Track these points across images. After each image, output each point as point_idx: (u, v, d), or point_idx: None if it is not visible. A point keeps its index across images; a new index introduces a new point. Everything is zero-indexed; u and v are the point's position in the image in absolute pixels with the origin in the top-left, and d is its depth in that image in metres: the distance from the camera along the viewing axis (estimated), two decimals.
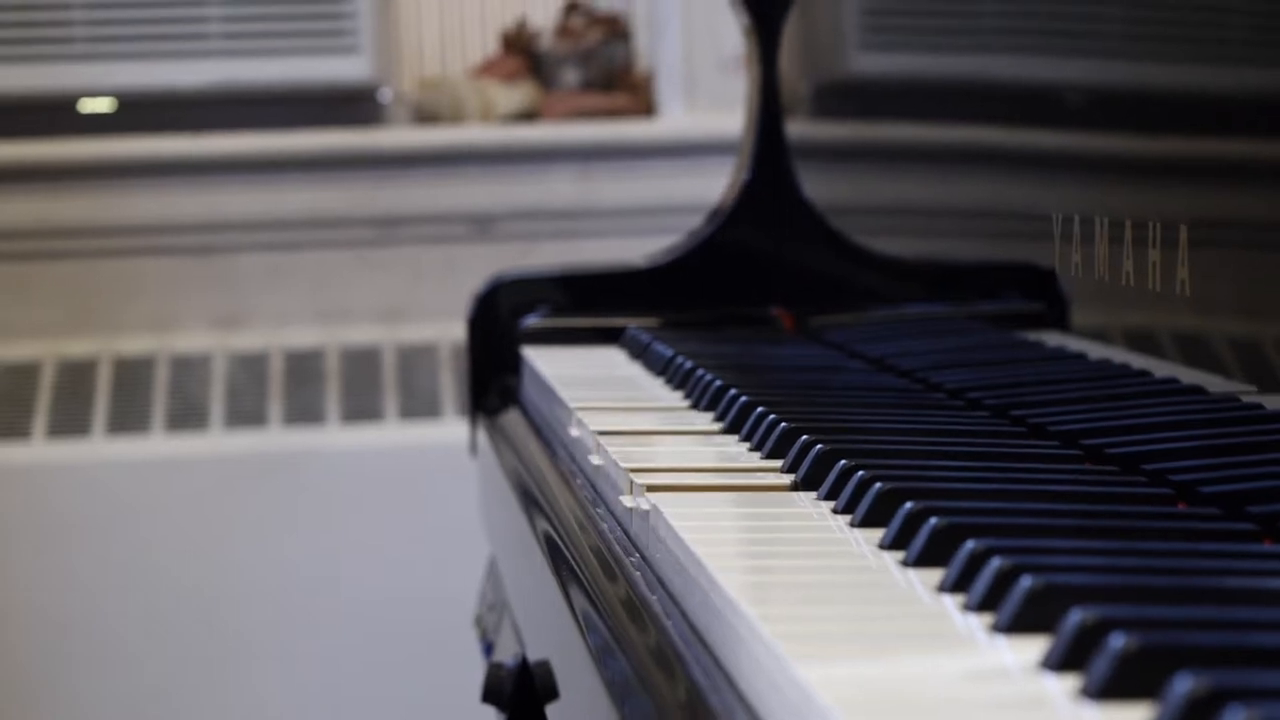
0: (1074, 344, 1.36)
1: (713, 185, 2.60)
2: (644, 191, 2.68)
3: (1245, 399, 1.10)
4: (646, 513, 0.97)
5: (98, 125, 2.73)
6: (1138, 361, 1.26)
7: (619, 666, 0.87)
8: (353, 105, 2.77)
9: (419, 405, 2.63)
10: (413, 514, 2.58)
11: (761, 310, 1.76)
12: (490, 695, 1.41)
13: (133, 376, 2.65)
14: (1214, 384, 1.13)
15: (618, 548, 1.03)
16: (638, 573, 0.97)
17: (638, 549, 1.01)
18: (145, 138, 2.69)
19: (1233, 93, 1.10)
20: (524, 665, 1.37)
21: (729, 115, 2.70)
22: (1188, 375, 1.18)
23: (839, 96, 1.82)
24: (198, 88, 2.72)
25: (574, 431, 1.31)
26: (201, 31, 2.72)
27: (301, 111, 2.73)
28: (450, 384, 2.65)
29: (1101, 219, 1.26)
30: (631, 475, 1.04)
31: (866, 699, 0.64)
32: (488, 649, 1.57)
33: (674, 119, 2.76)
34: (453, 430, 2.59)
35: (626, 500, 1.03)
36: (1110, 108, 1.28)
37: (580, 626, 0.97)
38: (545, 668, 1.25)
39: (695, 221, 1.89)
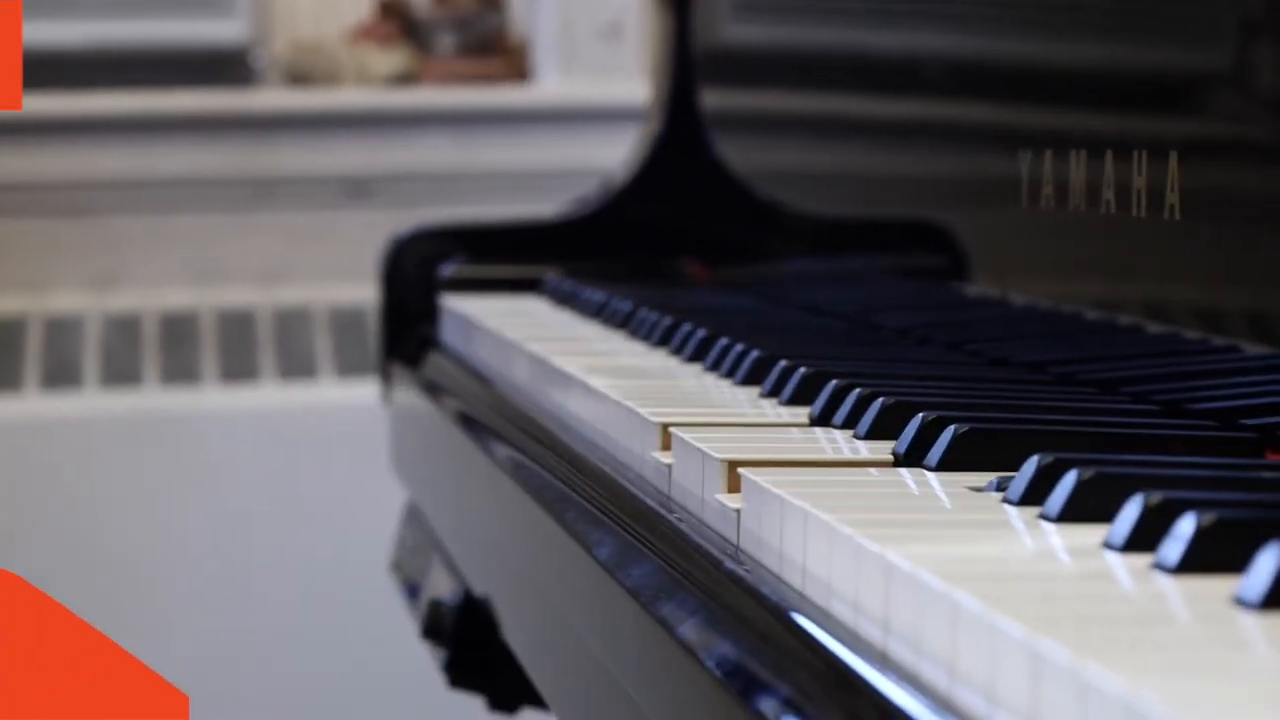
0: (993, 293, 1.39)
1: (590, 151, 2.61)
2: (520, 157, 2.69)
3: (1186, 335, 1.13)
4: (650, 427, 0.99)
5: None
6: (1066, 308, 1.29)
7: (641, 571, 0.88)
8: (226, 67, 2.75)
9: (296, 367, 2.62)
10: (290, 474, 2.57)
11: (674, 262, 1.77)
12: (430, 632, 1.42)
13: (3, 337, 2.62)
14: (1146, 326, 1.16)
15: (607, 468, 1.04)
16: (634, 488, 0.99)
17: (632, 470, 1.02)
18: None
19: (1102, 63, 1.13)
20: (467, 600, 1.38)
21: (606, 82, 2.72)
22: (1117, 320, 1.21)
23: (712, 65, 1.85)
24: (70, 46, 2.69)
25: (524, 367, 1.32)
26: None
27: (174, 73, 2.71)
28: (327, 346, 2.64)
29: (984, 178, 1.30)
30: (624, 401, 1.05)
31: (953, 572, 0.66)
32: (412, 591, 1.57)
33: (550, 85, 2.77)
34: (330, 392, 2.58)
35: (628, 432, 1.04)
36: (978, 76, 1.31)
37: (581, 541, 0.97)
38: (488, 602, 1.26)
39: (573, 186, 1.90)
